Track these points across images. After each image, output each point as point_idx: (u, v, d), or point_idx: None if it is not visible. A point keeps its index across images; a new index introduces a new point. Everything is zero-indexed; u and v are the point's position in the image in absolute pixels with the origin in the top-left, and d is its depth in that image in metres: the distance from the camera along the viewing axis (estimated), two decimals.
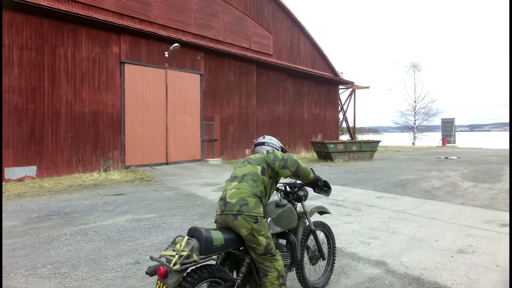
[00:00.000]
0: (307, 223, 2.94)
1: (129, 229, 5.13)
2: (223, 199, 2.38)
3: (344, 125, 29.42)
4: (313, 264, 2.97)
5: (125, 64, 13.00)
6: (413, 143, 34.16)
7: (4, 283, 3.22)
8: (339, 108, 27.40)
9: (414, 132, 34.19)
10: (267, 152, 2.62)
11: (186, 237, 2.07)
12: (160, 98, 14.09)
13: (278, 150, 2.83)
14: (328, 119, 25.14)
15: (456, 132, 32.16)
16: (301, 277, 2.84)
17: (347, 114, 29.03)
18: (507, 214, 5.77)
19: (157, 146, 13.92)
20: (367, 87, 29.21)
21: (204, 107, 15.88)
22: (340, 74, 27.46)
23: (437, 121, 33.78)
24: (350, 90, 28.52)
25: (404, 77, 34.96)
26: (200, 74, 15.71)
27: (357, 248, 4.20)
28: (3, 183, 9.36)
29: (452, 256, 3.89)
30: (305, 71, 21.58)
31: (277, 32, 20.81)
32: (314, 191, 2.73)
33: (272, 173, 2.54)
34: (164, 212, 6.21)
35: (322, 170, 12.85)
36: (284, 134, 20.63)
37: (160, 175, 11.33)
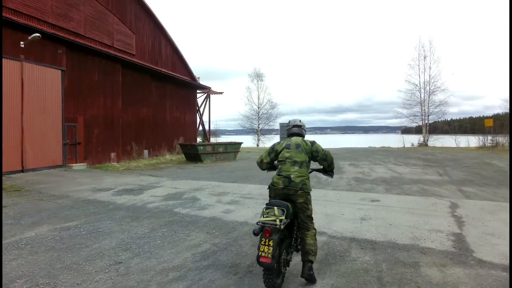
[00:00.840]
0: None
1: (67, 238, 4.82)
2: (287, 177, 3.38)
3: (201, 128, 30.76)
4: None
5: None
6: (257, 145, 38.51)
7: None
8: (197, 112, 28.58)
9: (258, 134, 38.63)
10: (312, 144, 3.67)
11: (276, 208, 3.05)
12: (14, 95, 12.02)
13: (305, 130, 3.90)
14: (188, 122, 25.95)
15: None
16: None
17: (204, 118, 30.50)
18: (369, 194, 8.04)
19: (10, 151, 11.83)
20: (221, 93, 31.43)
21: (66, 107, 14.30)
22: (197, 79, 28.67)
23: (277, 125, 39.26)
24: (205, 94, 30.09)
25: (250, 85, 38.86)
26: (62, 70, 14.09)
27: None
28: None
29: (361, 222, 5.52)
30: (168, 74, 21.79)
31: (139, 32, 20.36)
32: (324, 174, 3.91)
33: (311, 160, 3.67)
34: (86, 219, 5.90)
35: (198, 171, 13.67)
36: (149, 137, 20.34)
37: (26, 184, 9.86)
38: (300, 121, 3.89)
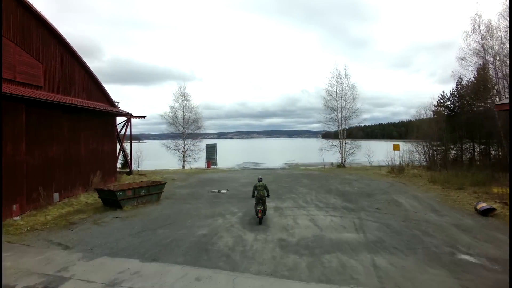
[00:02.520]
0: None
1: None
2: (260, 194, 13.49)
3: (122, 155, 28.87)
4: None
5: None
6: (183, 166, 37.49)
7: None
8: (117, 140, 26.79)
9: (184, 155, 37.60)
10: (264, 184, 14.03)
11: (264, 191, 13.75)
12: None
13: (261, 180, 14.27)
14: (106, 152, 24.16)
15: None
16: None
17: (127, 139, 28.70)
18: (291, 284, 8.13)
19: None
20: (144, 117, 29.94)
21: None
22: (117, 104, 26.90)
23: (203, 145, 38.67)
24: (125, 118, 28.39)
25: (175, 104, 37.89)
26: None
27: None
28: None
29: None
30: (81, 106, 19.86)
31: (48, 60, 18.39)
32: (267, 194, 13.97)
33: (265, 188, 13.81)
34: None
35: (117, 230, 12.68)
36: (60, 177, 18.38)
37: None
38: (261, 179, 14.40)
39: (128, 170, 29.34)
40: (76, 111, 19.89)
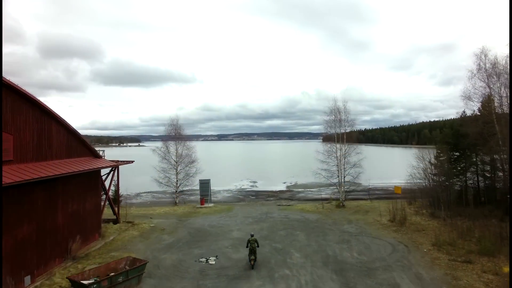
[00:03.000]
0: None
1: None
2: (252, 246, 18.51)
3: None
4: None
5: None
6: (175, 202, 35.97)
7: None
8: (102, 191, 25.31)
9: (176, 191, 36.09)
10: (255, 238, 19.00)
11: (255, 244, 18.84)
12: None
13: (253, 236, 19.32)
14: (89, 210, 22.66)
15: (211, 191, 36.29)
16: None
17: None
18: None
19: None
20: (132, 162, 28.46)
21: None
22: (101, 152, 25.42)
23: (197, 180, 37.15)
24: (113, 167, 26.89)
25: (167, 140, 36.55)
26: None
27: None
28: None
29: None
30: (56, 176, 18.09)
31: (20, 129, 16.96)
32: (257, 245, 18.95)
33: (255, 242, 18.81)
34: None
35: None
36: (32, 256, 16.86)
37: None
38: (253, 234, 19.86)
39: (115, 218, 27.83)
40: (52, 178, 18.39)
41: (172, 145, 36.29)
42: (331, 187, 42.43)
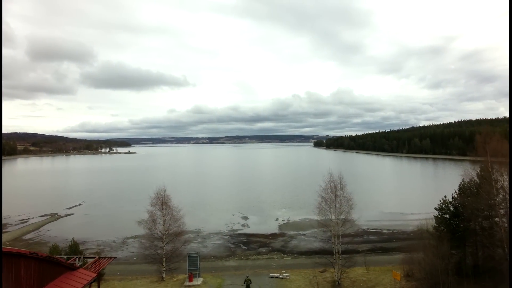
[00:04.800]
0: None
1: None
2: (247, 282, 29.54)
3: None
4: None
5: None
6: (162, 277, 33.91)
7: None
8: None
9: (163, 265, 34.04)
10: (250, 279, 29.97)
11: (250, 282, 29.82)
12: None
13: (248, 276, 30.62)
14: None
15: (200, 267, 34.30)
16: None
17: None
18: None
19: None
20: (114, 258, 26.43)
21: None
22: (83, 256, 23.36)
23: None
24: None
25: (153, 209, 34.60)
26: None
27: None
28: None
29: None
30: None
31: None
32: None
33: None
34: None
35: None
36: None
37: None
38: (248, 275, 30.90)
39: None
40: None
41: (159, 218, 34.24)
42: (325, 229, 40.30)
